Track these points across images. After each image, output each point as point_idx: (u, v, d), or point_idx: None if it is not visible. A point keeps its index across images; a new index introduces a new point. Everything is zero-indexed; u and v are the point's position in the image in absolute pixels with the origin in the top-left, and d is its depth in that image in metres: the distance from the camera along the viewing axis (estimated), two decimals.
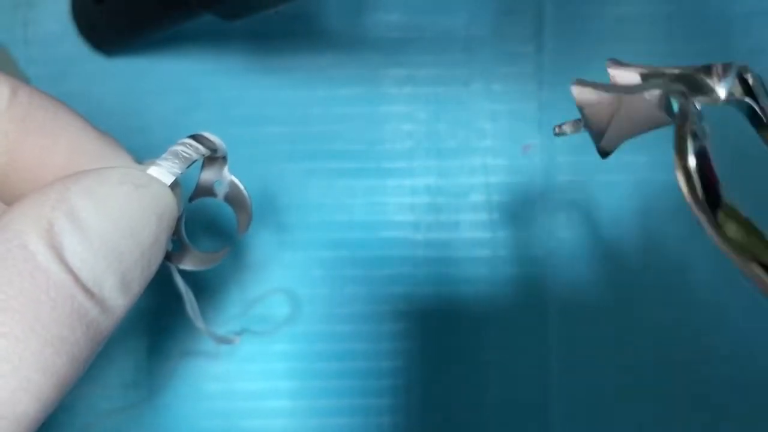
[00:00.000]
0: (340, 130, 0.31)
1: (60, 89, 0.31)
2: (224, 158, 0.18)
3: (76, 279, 0.14)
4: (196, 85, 0.31)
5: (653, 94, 0.16)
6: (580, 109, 0.17)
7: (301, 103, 0.31)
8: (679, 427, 0.30)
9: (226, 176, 0.18)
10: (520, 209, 0.31)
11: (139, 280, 0.15)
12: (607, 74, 0.32)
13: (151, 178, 0.16)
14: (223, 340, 0.23)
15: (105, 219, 0.14)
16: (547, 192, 0.31)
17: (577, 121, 0.18)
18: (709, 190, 0.14)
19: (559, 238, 0.30)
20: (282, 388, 0.30)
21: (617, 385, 0.30)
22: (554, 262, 0.30)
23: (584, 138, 0.30)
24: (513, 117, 0.31)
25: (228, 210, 0.18)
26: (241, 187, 0.18)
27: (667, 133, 0.32)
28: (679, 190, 0.15)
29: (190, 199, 0.18)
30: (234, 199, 0.18)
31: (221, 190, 0.18)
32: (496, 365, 0.30)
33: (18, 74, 0.30)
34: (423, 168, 0.31)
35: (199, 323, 0.20)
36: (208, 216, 0.29)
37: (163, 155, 0.16)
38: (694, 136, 0.15)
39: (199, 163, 0.18)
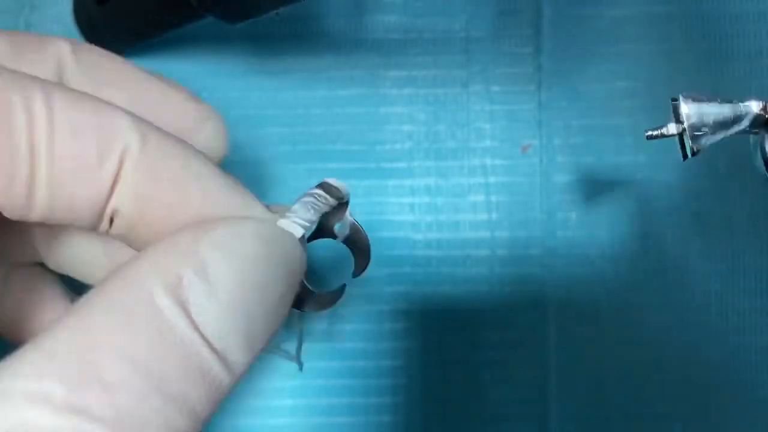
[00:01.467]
0: (341, 130, 0.31)
1: None
2: (347, 202, 0.17)
3: (202, 336, 0.13)
4: (197, 86, 0.31)
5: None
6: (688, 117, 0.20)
7: (301, 104, 0.31)
8: (680, 427, 0.30)
9: (348, 219, 0.18)
10: (519, 209, 0.31)
11: (263, 337, 0.14)
12: (607, 75, 0.32)
13: (283, 232, 0.15)
14: (298, 362, 0.23)
15: (234, 275, 0.13)
16: (547, 192, 0.31)
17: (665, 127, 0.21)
18: None
19: (558, 238, 0.31)
20: (282, 386, 0.30)
21: (617, 385, 0.30)
22: (553, 262, 0.30)
23: (583, 138, 0.31)
24: (512, 117, 0.31)
25: (334, 249, 0.18)
26: (363, 230, 0.18)
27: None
28: None
29: (310, 240, 0.17)
30: (354, 241, 0.18)
31: (342, 233, 0.18)
32: (496, 365, 0.30)
33: None
34: (423, 168, 0.31)
35: (298, 359, 0.20)
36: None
37: (294, 206, 0.16)
38: None
39: None
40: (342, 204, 0.17)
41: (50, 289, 0.20)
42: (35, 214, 0.14)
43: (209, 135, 0.19)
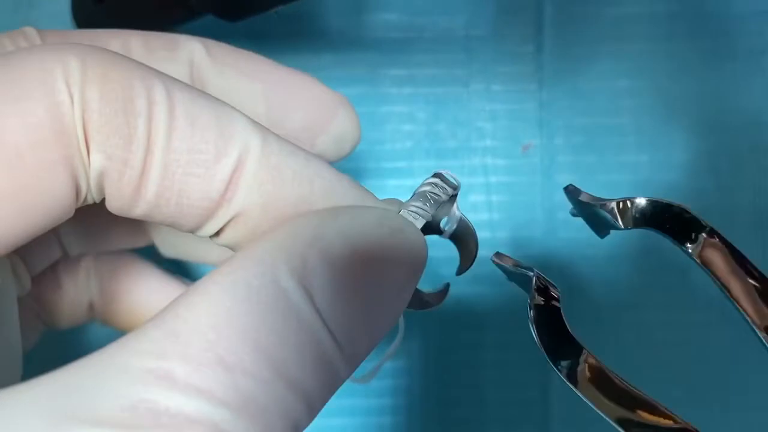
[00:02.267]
0: None
1: None
2: (455, 195, 0.17)
3: (325, 324, 0.13)
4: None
5: None
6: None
7: None
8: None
9: (456, 213, 0.17)
10: (520, 209, 0.31)
11: (382, 329, 0.14)
12: (609, 74, 0.32)
13: (407, 222, 0.15)
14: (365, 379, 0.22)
15: (359, 262, 0.13)
16: (548, 192, 0.31)
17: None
18: None
19: (559, 238, 0.30)
20: None
21: None
22: (554, 261, 0.30)
23: (585, 137, 0.31)
24: (513, 117, 0.31)
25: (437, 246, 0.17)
26: (470, 224, 0.17)
27: (667, 133, 0.32)
28: None
29: None
30: (461, 236, 0.17)
31: (449, 228, 0.17)
32: (496, 365, 0.30)
33: None
34: (423, 168, 0.31)
35: (390, 355, 0.19)
36: None
37: (412, 197, 0.16)
38: None
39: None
40: (452, 197, 0.17)
41: (147, 271, 0.20)
42: (140, 209, 0.13)
43: (343, 121, 0.19)
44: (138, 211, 0.14)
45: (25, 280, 0.18)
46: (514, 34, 0.31)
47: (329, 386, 0.13)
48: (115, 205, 0.13)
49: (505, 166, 0.31)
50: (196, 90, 0.13)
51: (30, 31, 0.17)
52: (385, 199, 0.16)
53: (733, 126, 0.30)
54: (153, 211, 0.13)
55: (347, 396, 0.30)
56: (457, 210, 0.17)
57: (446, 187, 0.16)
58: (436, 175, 0.16)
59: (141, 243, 0.21)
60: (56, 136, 0.12)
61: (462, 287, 0.31)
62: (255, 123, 0.14)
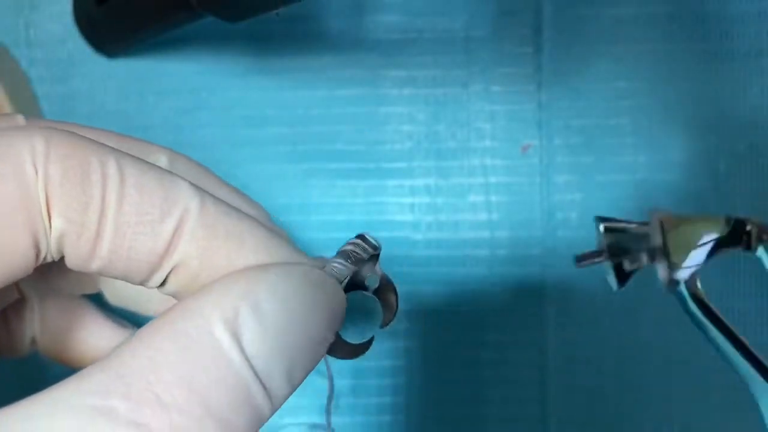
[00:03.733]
0: (341, 130, 0.31)
1: (62, 90, 0.31)
2: (378, 256, 0.19)
3: (252, 369, 0.14)
4: (197, 86, 0.31)
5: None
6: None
7: (301, 104, 0.31)
8: (679, 427, 0.30)
9: (378, 271, 0.19)
10: (519, 209, 0.31)
11: (302, 374, 0.16)
12: (607, 75, 0.32)
13: (328, 277, 0.17)
14: None
15: (284, 314, 0.15)
16: (547, 192, 0.31)
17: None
18: None
19: (558, 238, 0.31)
20: None
21: (616, 385, 0.31)
22: (553, 261, 0.30)
23: (583, 138, 0.31)
24: (512, 117, 0.31)
25: (366, 302, 0.19)
26: (391, 281, 0.19)
27: (666, 134, 0.32)
28: None
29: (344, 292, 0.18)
30: (383, 292, 0.19)
31: (372, 285, 0.19)
32: (495, 364, 0.30)
33: (19, 74, 0.31)
34: (423, 168, 0.31)
35: (329, 411, 0.22)
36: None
37: (335, 255, 0.18)
38: None
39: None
40: (374, 257, 0.19)
41: (90, 312, 0.23)
42: (95, 265, 0.16)
43: None
44: (94, 267, 0.16)
45: None
46: (514, 35, 0.31)
47: (254, 423, 0.15)
48: (73, 262, 0.16)
49: (504, 166, 0.31)
50: (146, 163, 0.16)
51: (19, 118, 0.20)
52: (312, 257, 0.18)
53: (731, 127, 0.30)
54: (107, 266, 0.16)
55: (347, 395, 0.30)
56: (378, 269, 0.19)
57: (367, 247, 0.18)
58: (358, 237, 0.18)
59: (90, 290, 0.23)
60: (23, 204, 0.15)
61: (462, 287, 0.31)
62: (196, 188, 0.16)
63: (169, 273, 0.16)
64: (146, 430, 0.13)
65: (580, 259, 0.20)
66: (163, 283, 0.17)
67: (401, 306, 0.30)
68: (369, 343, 0.19)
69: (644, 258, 0.19)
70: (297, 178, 0.31)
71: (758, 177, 0.30)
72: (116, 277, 0.16)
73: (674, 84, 0.31)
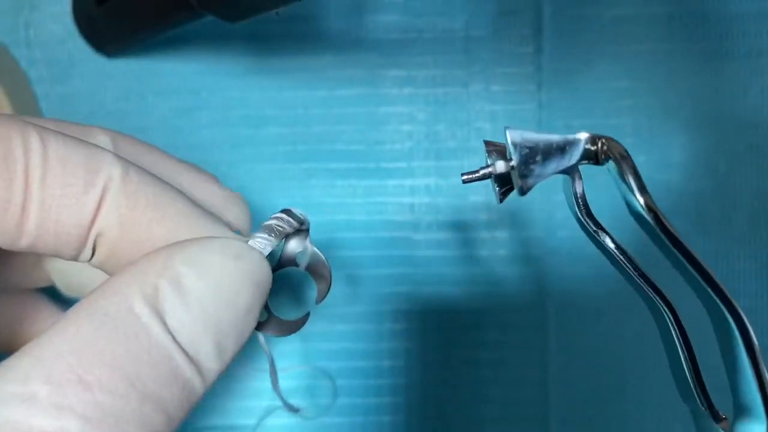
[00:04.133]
0: (340, 130, 0.31)
1: (61, 90, 0.31)
2: (307, 230, 0.19)
3: (176, 341, 0.14)
4: (196, 86, 0.31)
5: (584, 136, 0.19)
6: (513, 149, 0.20)
7: (301, 104, 0.31)
8: (680, 427, 0.30)
9: (309, 247, 0.19)
10: (519, 209, 0.31)
11: (233, 347, 0.16)
12: (607, 75, 0.32)
13: (251, 249, 0.16)
14: (291, 408, 0.24)
15: (205, 287, 0.15)
16: (547, 192, 0.31)
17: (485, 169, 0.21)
18: None
19: (558, 238, 0.31)
20: (282, 387, 0.30)
21: (616, 385, 0.30)
22: (553, 261, 0.30)
23: None
24: (512, 117, 0.31)
25: (300, 278, 0.19)
26: (323, 257, 0.19)
27: (666, 134, 0.32)
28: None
29: (274, 270, 0.18)
30: (315, 269, 0.19)
31: (303, 261, 0.19)
32: (496, 364, 0.30)
33: (19, 74, 0.31)
34: (423, 168, 0.31)
35: (276, 388, 0.21)
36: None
37: (259, 229, 0.17)
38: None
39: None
40: (302, 231, 0.19)
41: (42, 306, 0.23)
42: (24, 242, 0.16)
43: (233, 217, 0.21)
44: (23, 243, 0.16)
45: None
46: (514, 35, 0.31)
47: (186, 398, 0.15)
48: (2, 239, 0.16)
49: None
50: (72, 138, 0.16)
51: None
52: (235, 234, 0.18)
53: (731, 126, 0.30)
54: (36, 241, 0.16)
55: (347, 395, 0.30)
56: (310, 244, 0.19)
57: (292, 221, 0.18)
58: (283, 211, 0.18)
59: (42, 283, 0.23)
60: None
61: (462, 287, 0.31)
62: (120, 158, 0.16)
63: (95, 245, 0.16)
64: (70, 412, 0.13)
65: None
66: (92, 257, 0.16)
67: (403, 306, 0.30)
68: (304, 319, 0.18)
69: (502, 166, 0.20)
70: (297, 178, 0.31)
71: (758, 177, 0.30)
72: (48, 254, 0.16)
73: (674, 84, 0.31)
